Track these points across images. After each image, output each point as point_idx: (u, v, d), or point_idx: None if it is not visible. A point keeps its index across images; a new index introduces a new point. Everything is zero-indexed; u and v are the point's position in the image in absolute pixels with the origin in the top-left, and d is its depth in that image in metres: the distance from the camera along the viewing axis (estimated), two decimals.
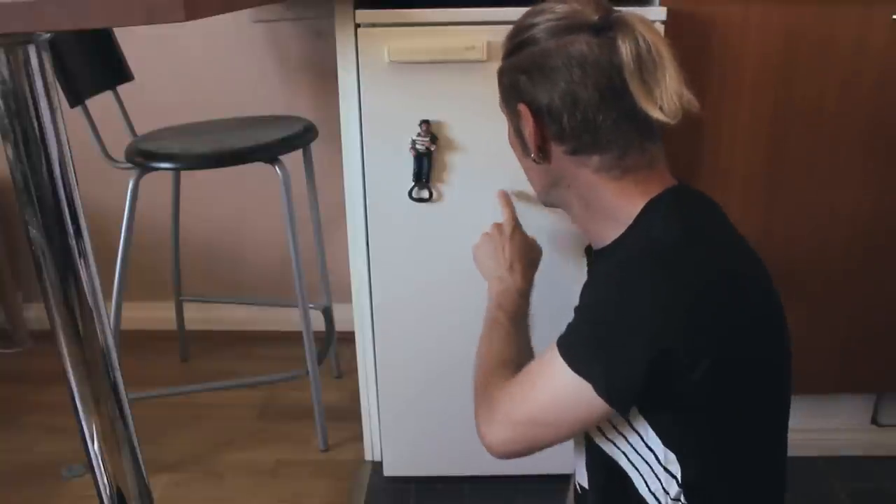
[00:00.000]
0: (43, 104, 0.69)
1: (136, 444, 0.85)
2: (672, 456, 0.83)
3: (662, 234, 0.81)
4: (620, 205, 0.86)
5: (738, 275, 0.82)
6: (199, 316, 2.09)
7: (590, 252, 0.99)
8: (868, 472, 1.54)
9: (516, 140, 0.93)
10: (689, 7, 1.23)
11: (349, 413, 1.67)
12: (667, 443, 0.83)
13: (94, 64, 1.63)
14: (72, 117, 1.18)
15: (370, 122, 1.26)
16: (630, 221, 0.85)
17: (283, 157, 1.50)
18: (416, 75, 1.22)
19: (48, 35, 0.69)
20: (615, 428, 0.88)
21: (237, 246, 2.10)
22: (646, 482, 0.87)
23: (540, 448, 0.87)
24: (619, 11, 0.83)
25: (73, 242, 0.74)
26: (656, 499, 0.87)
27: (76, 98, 1.50)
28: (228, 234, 2.09)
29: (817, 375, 1.47)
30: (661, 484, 0.85)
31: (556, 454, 1.13)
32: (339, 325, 1.87)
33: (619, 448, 0.89)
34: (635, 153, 0.84)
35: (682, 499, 0.84)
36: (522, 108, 0.86)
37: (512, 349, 0.99)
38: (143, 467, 0.87)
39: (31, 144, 0.70)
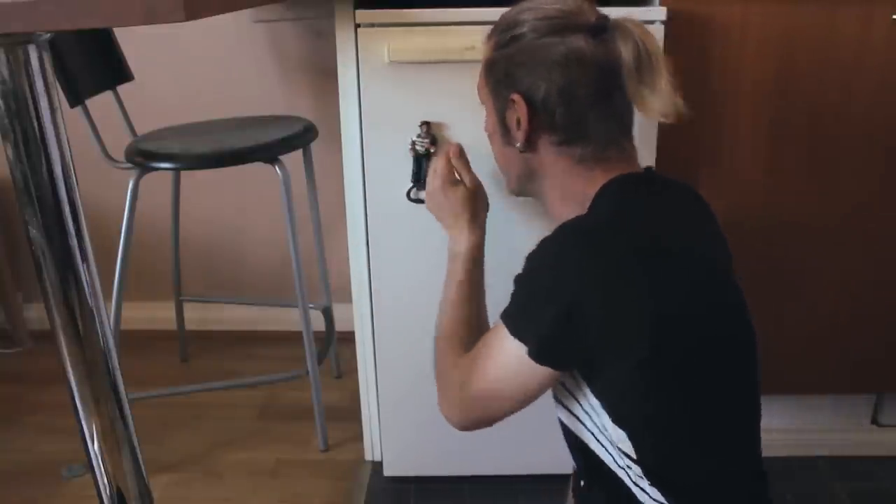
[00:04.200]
0: (43, 104, 0.69)
1: (136, 444, 0.86)
2: (622, 434, 0.85)
3: (596, 212, 0.88)
4: (583, 190, 0.90)
5: (667, 255, 0.84)
6: (199, 316, 2.09)
7: None
8: (868, 472, 1.54)
9: (498, 128, 0.95)
10: (689, 7, 1.23)
11: (349, 413, 1.67)
12: (616, 421, 0.85)
13: (94, 64, 1.63)
14: (72, 117, 1.19)
15: (370, 122, 1.26)
16: (588, 205, 0.90)
17: (283, 157, 1.50)
18: (416, 75, 1.22)
19: (48, 35, 0.69)
20: (580, 405, 0.90)
21: (237, 246, 2.10)
22: (615, 459, 0.89)
23: (499, 419, 0.93)
24: (611, 16, 0.88)
25: (73, 242, 0.74)
26: (627, 474, 0.88)
27: (76, 98, 1.50)
28: (228, 234, 2.09)
29: (817, 375, 1.47)
30: (625, 461, 0.87)
31: (556, 454, 1.13)
32: (339, 325, 1.87)
33: (586, 427, 0.91)
34: (613, 147, 0.90)
35: (645, 477, 0.85)
36: (517, 97, 0.89)
37: (464, 310, 1.04)
38: (143, 467, 0.87)
39: (31, 144, 0.70)
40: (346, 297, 1.46)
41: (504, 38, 0.91)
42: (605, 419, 0.86)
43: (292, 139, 1.54)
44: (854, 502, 1.45)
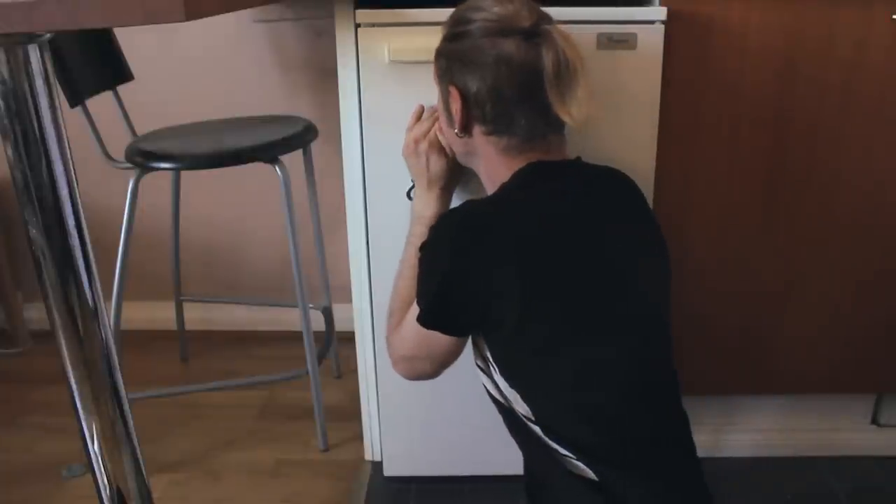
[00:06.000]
0: (43, 104, 0.70)
1: (136, 444, 0.86)
2: (517, 395, 0.97)
3: (493, 195, 1.02)
4: (504, 174, 1.02)
5: (543, 233, 0.94)
6: (199, 316, 2.09)
7: None
8: (868, 472, 1.54)
9: (443, 112, 1.07)
10: (689, 7, 1.23)
11: (349, 413, 1.67)
12: (510, 383, 0.98)
13: (94, 64, 1.63)
14: (72, 117, 1.18)
15: (370, 122, 1.26)
16: None
17: (283, 157, 1.50)
18: (416, 75, 1.22)
19: (48, 35, 0.69)
20: (489, 368, 1.01)
21: (237, 246, 2.10)
22: (524, 416, 0.98)
23: (431, 376, 1.08)
24: (549, 22, 0.98)
25: (73, 242, 0.74)
26: (537, 428, 0.98)
27: (76, 98, 1.50)
28: (228, 234, 2.09)
29: (817, 375, 1.47)
30: (530, 418, 0.97)
31: None
32: (339, 325, 1.87)
33: (498, 388, 1.01)
34: (538, 140, 1.01)
35: (544, 435, 0.96)
36: (453, 90, 1.01)
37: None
38: (143, 467, 0.87)
39: (31, 144, 0.70)
40: (346, 297, 1.46)
41: (451, 33, 1.02)
42: (504, 381, 0.98)
43: (292, 139, 1.53)
44: (854, 502, 1.45)
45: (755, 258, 1.38)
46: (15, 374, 1.95)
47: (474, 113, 1.00)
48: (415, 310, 1.01)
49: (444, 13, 1.19)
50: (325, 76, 1.88)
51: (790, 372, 1.46)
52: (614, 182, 1.07)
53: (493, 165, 1.03)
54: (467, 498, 1.49)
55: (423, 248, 1.01)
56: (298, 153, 1.62)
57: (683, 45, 1.25)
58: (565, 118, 0.96)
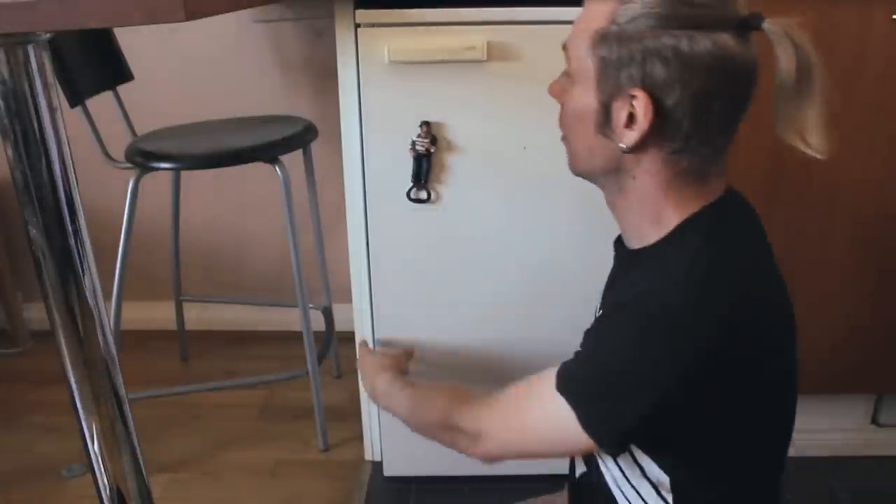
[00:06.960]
0: (43, 104, 0.69)
1: (136, 444, 0.86)
2: (661, 473, 0.81)
3: (677, 277, 0.74)
4: (668, 208, 0.78)
5: (754, 312, 0.76)
6: (199, 316, 2.09)
7: (618, 245, 0.90)
8: (868, 472, 1.54)
9: (596, 115, 0.77)
10: None
11: (349, 413, 1.67)
12: (661, 465, 0.80)
13: (94, 64, 1.63)
14: (72, 117, 1.18)
15: (370, 122, 1.26)
16: (668, 230, 0.78)
17: (283, 157, 1.50)
18: (416, 75, 1.22)
19: (48, 35, 0.69)
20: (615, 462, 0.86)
21: (237, 246, 2.10)
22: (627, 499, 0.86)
23: (527, 458, 0.88)
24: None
25: (73, 242, 0.74)
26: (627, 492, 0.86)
27: (76, 98, 1.50)
28: (228, 234, 2.09)
29: (817, 375, 1.46)
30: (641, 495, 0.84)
31: None
32: (339, 325, 1.87)
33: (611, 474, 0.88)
34: (715, 165, 0.78)
35: (672, 491, 0.82)
36: (642, 95, 0.72)
37: (436, 392, 1.04)
38: (143, 467, 0.87)
39: (31, 144, 0.70)
40: (346, 297, 1.46)
41: (636, 11, 0.71)
42: (648, 463, 0.81)
43: (292, 139, 1.53)
44: (854, 502, 1.45)
45: None
46: (15, 374, 1.95)
47: (663, 126, 0.73)
48: (540, 391, 0.80)
49: (444, 13, 1.20)
50: (325, 76, 1.88)
51: None
52: (761, 224, 0.87)
53: (656, 193, 0.77)
54: (467, 498, 1.49)
55: (604, 359, 0.76)
56: (298, 153, 1.62)
57: None
58: (799, 145, 0.74)
